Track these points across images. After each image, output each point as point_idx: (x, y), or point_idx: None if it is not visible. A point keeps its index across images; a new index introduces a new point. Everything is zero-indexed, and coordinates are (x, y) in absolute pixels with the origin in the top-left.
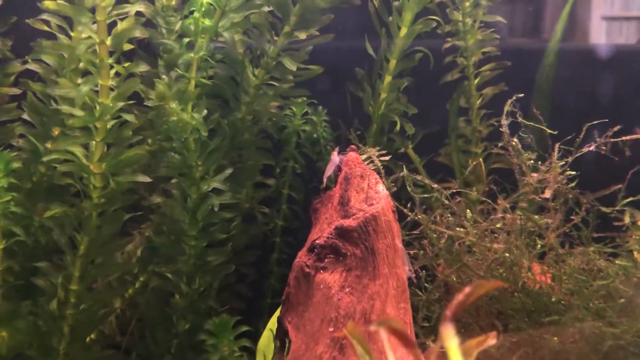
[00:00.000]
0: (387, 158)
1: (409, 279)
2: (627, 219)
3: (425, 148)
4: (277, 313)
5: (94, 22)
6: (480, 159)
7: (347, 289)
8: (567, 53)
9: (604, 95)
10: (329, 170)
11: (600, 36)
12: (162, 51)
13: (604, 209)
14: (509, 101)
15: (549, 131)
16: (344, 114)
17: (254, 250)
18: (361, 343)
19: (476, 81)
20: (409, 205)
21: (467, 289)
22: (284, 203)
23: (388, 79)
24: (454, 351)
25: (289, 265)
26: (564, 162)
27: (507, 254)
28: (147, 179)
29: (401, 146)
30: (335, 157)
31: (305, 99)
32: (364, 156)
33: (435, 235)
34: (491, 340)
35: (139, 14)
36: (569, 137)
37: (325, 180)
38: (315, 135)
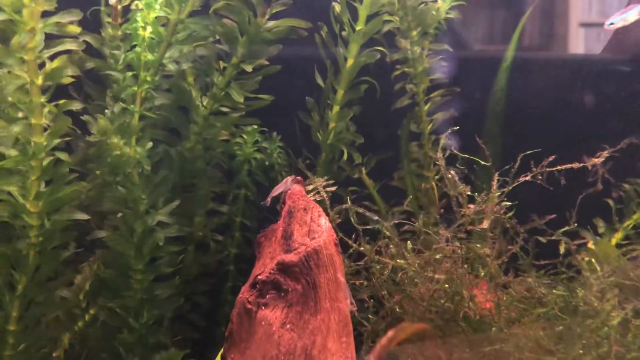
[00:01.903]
0: (333, 188)
1: (351, 312)
2: (562, 249)
3: (379, 173)
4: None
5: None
6: (433, 183)
7: (288, 326)
8: (519, 78)
9: (556, 117)
10: (276, 191)
11: (578, 43)
12: (110, 82)
13: (541, 239)
14: (444, 135)
15: (483, 162)
16: (294, 142)
17: (208, 278)
18: None
19: (426, 107)
20: (354, 235)
21: (390, 333)
22: (236, 231)
23: (336, 108)
24: None
25: None
26: (500, 192)
27: (447, 285)
28: (85, 217)
29: (351, 174)
30: (288, 182)
31: (256, 127)
32: (311, 187)
33: (378, 267)
34: None
35: (87, 43)
36: (507, 167)
37: (269, 199)
38: (267, 163)
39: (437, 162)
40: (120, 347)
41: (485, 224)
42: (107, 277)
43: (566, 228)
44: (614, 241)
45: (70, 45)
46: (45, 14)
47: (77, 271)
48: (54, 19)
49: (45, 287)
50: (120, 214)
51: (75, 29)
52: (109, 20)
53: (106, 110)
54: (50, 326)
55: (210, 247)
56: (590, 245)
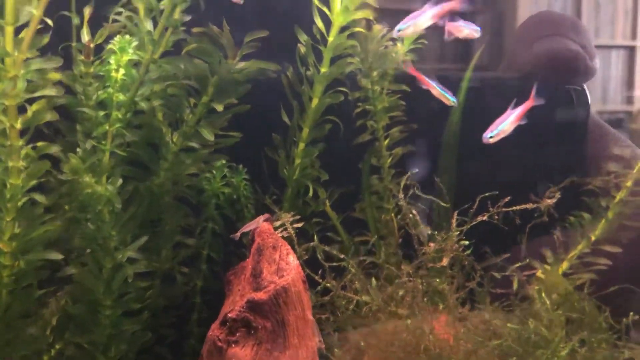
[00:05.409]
0: (300, 225)
1: (319, 349)
2: (515, 285)
3: (342, 204)
4: None
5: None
6: (392, 214)
7: None
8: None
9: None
10: (247, 227)
11: None
12: (80, 119)
13: (495, 274)
14: (406, 175)
15: (443, 204)
16: (261, 178)
17: (174, 310)
18: None
19: (386, 142)
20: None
21: None
22: (203, 263)
23: (301, 146)
24: None
25: (208, 325)
26: (459, 232)
27: (409, 321)
28: (59, 256)
29: (316, 209)
30: (260, 220)
31: (224, 162)
32: (278, 223)
33: (344, 302)
34: None
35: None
36: (466, 206)
37: (239, 233)
38: (235, 196)
39: (398, 201)
40: None
41: (445, 262)
42: (75, 312)
43: (518, 264)
44: (560, 270)
45: (50, 91)
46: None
47: (43, 305)
48: (36, 65)
49: (15, 325)
50: (89, 250)
51: (55, 76)
52: (82, 58)
53: (78, 149)
54: None
55: (177, 279)
56: (540, 274)
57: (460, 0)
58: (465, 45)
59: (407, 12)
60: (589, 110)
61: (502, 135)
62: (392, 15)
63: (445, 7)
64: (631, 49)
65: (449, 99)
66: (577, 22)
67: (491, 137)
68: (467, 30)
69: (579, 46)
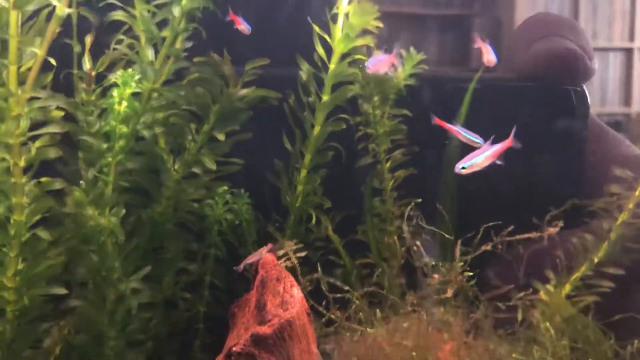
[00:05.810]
0: (303, 254)
1: None
2: (519, 317)
3: (344, 227)
4: None
5: None
6: (395, 237)
7: None
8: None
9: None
10: (250, 259)
11: None
12: (81, 148)
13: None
14: (410, 205)
15: (447, 236)
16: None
17: (176, 337)
18: None
19: (388, 165)
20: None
21: None
22: (206, 289)
23: (304, 172)
24: None
25: (211, 350)
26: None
27: (414, 353)
28: (63, 291)
29: (319, 236)
30: (263, 251)
31: (226, 188)
32: (281, 251)
33: (348, 334)
34: None
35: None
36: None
37: (242, 265)
38: (237, 222)
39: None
40: None
41: (449, 293)
42: (79, 343)
43: (523, 293)
44: (563, 293)
45: (54, 128)
46: None
47: (46, 335)
48: (39, 103)
49: (20, 358)
50: (92, 282)
51: (58, 114)
52: (83, 85)
53: (81, 182)
54: None
55: (179, 305)
56: (542, 295)
57: (394, 56)
58: (462, 49)
59: (407, 14)
60: (589, 111)
61: (475, 169)
62: (392, 16)
63: (391, 57)
64: (629, 51)
65: (475, 141)
66: (575, 23)
67: (464, 168)
68: (488, 56)
69: (577, 46)
